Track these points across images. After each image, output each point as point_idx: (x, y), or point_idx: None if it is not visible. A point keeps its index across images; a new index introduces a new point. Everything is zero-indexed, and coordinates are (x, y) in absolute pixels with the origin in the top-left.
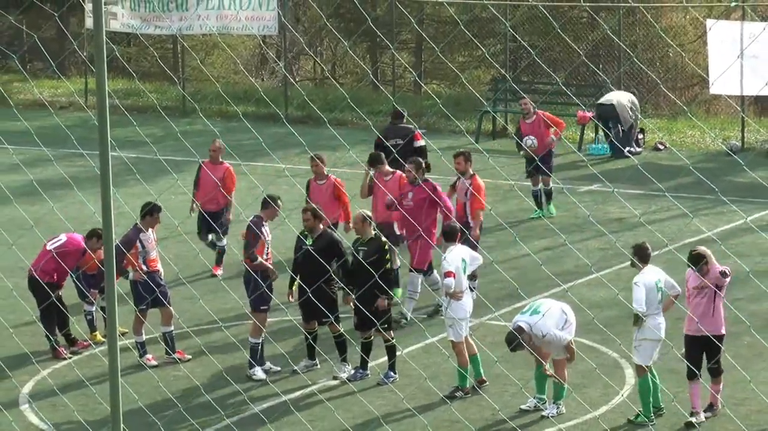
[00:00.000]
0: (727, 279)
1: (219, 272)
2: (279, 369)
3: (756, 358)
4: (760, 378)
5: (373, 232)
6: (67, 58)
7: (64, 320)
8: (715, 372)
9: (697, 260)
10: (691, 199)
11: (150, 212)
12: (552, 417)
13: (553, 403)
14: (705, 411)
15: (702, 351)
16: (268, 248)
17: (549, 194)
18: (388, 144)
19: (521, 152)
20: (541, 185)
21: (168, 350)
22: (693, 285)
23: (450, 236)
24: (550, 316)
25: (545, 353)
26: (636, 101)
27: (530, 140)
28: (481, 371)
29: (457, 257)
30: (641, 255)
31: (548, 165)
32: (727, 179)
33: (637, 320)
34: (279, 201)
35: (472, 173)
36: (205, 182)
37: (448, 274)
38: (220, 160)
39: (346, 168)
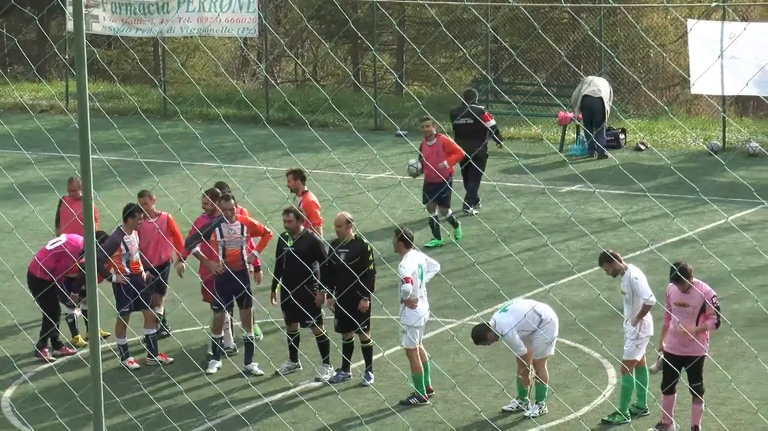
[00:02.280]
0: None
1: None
2: (262, 373)
3: (737, 358)
4: (741, 378)
5: (353, 234)
6: (47, 62)
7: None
8: (697, 392)
9: (686, 274)
10: (673, 199)
11: (131, 214)
12: (534, 417)
13: (536, 403)
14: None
15: (680, 368)
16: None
17: (452, 221)
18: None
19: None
20: (438, 213)
21: (150, 353)
22: (675, 301)
23: (407, 241)
24: (515, 315)
25: (528, 353)
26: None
27: (413, 160)
28: (429, 380)
29: (414, 263)
30: (612, 259)
31: (446, 194)
32: (708, 179)
33: (644, 313)
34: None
35: (305, 189)
36: (66, 220)
37: (406, 280)
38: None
39: (327, 170)
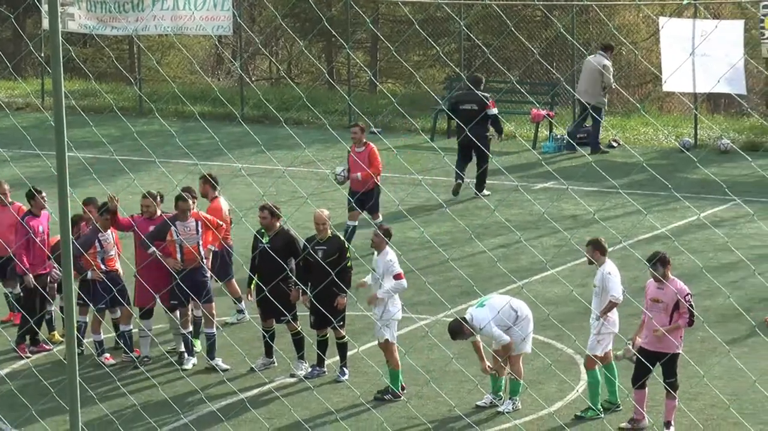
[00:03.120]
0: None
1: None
2: (227, 367)
3: (709, 353)
4: (713, 373)
5: (330, 231)
6: (23, 60)
7: (40, 319)
8: (671, 388)
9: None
10: (645, 195)
11: (101, 213)
12: (508, 412)
13: (509, 399)
14: (665, 429)
15: (653, 363)
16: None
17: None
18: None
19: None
20: (357, 222)
21: (125, 349)
22: (650, 297)
23: (390, 236)
24: (492, 310)
25: (503, 349)
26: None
27: (340, 169)
28: (401, 377)
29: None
30: (602, 249)
31: (373, 202)
32: (680, 176)
33: (610, 309)
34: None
35: (215, 195)
36: None
37: (400, 276)
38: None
39: (302, 167)
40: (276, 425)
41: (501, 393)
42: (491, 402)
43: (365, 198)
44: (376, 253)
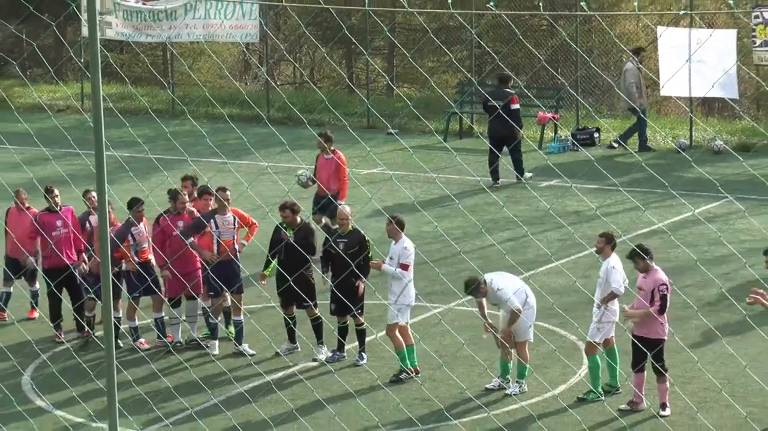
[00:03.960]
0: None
1: (35, 315)
2: (253, 352)
3: (703, 340)
4: (706, 358)
5: (351, 226)
6: (64, 65)
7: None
8: (658, 372)
9: (644, 251)
10: (643, 193)
11: (129, 206)
12: (515, 395)
13: (516, 382)
14: (661, 409)
15: (643, 349)
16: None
17: None
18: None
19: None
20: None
21: (159, 334)
22: (637, 285)
23: (402, 226)
24: (511, 281)
25: (507, 334)
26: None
27: (303, 171)
28: (417, 361)
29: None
30: (613, 244)
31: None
32: (676, 175)
33: (610, 299)
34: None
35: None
36: (12, 229)
37: (405, 267)
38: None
39: None
40: (299, 405)
41: (509, 377)
42: (499, 385)
43: (328, 204)
44: (393, 242)
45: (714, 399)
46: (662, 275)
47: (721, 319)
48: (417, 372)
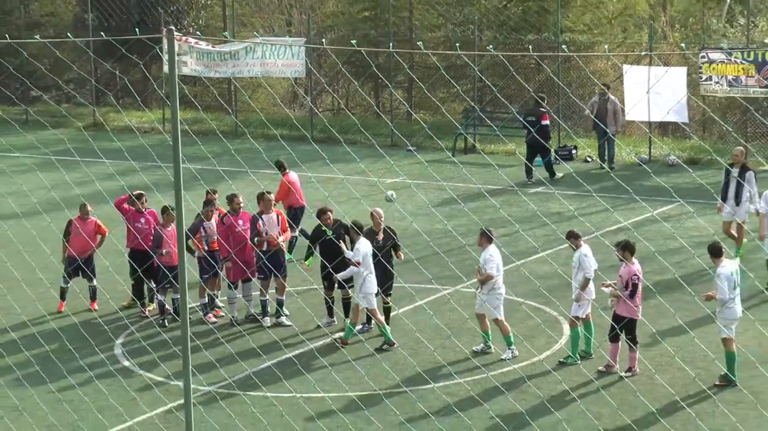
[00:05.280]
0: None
1: (95, 306)
2: (290, 324)
3: (660, 317)
4: (662, 330)
5: (383, 225)
6: (149, 95)
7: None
8: (632, 343)
9: (629, 247)
10: (611, 198)
11: (204, 206)
12: (509, 359)
13: (508, 349)
14: (626, 372)
15: (620, 325)
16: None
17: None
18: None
19: None
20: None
21: (225, 311)
22: (619, 272)
23: (489, 237)
24: (496, 254)
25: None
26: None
27: (391, 192)
28: (390, 336)
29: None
30: (577, 237)
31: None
32: (638, 183)
33: (585, 285)
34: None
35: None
36: (74, 235)
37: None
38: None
39: (356, 176)
40: (336, 368)
41: (490, 342)
42: (482, 349)
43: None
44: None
45: (668, 363)
46: (636, 268)
47: (674, 299)
48: (392, 344)
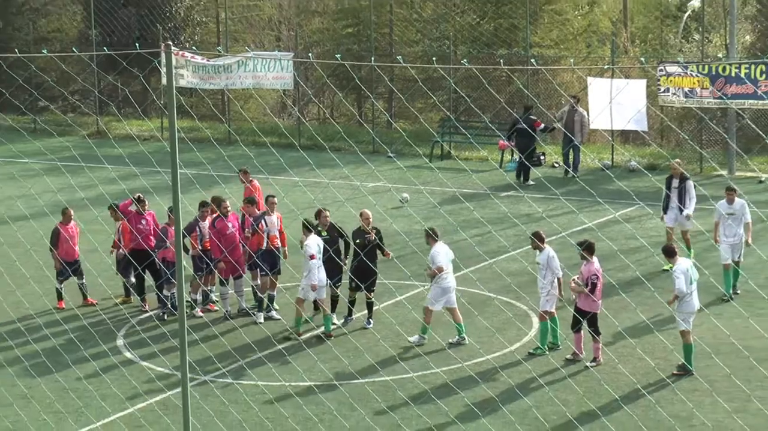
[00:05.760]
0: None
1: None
2: (279, 317)
3: (622, 311)
4: (624, 324)
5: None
6: (149, 106)
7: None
8: (594, 334)
9: (590, 249)
10: (577, 200)
11: (199, 208)
12: (415, 343)
13: (420, 335)
14: (590, 362)
15: (584, 318)
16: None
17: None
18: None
19: None
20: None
21: (223, 306)
22: (580, 269)
23: (434, 236)
24: (446, 253)
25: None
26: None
27: (406, 195)
28: (330, 328)
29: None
30: (542, 239)
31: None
32: (601, 187)
33: (560, 283)
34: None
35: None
36: (62, 240)
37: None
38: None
39: (340, 180)
40: (323, 359)
41: (464, 334)
42: (418, 341)
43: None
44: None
45: (630, 354)
46: (595, 267)
47: (635, 294)
48: (329, 336)
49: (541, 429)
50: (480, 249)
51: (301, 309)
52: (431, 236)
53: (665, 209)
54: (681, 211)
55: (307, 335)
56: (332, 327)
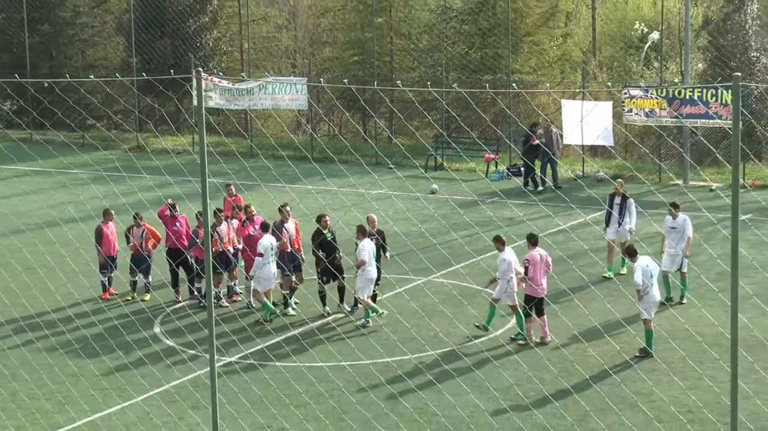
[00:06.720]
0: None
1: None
2: (294, 313)
3: (591, 301)
4: (593, 312)
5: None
6: (181, 123)
7: (192, 279)
8: (539, 313)
9: (534, 239)
10: (552, 206)
11: (214, 215)
12: (361, 326)
13: (366, 319)
14: (539, 339)
15: (532, 304)
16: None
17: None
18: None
19: None
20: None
21: (249, 302)
22: (525, 257)
23: (364, 232)
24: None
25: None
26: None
27: (435, 186)
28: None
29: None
30: (502, 242)
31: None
32: (574, 194)
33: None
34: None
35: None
36: (106, 237)
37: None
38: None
39: (348, 188)
40: (332, 343)
41: (369, 318)
42: (363, 324)
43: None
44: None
45: (598, 339)
46: (530, 254)
47: (604, 287)
48: (269, 322)
49: (521, 404)
50: (469, 248)
51: (263, 298)
52: (360, 232)
53: (607, 224)
54: (619, 225)
55: (319, 322)
56: (341, 315)
